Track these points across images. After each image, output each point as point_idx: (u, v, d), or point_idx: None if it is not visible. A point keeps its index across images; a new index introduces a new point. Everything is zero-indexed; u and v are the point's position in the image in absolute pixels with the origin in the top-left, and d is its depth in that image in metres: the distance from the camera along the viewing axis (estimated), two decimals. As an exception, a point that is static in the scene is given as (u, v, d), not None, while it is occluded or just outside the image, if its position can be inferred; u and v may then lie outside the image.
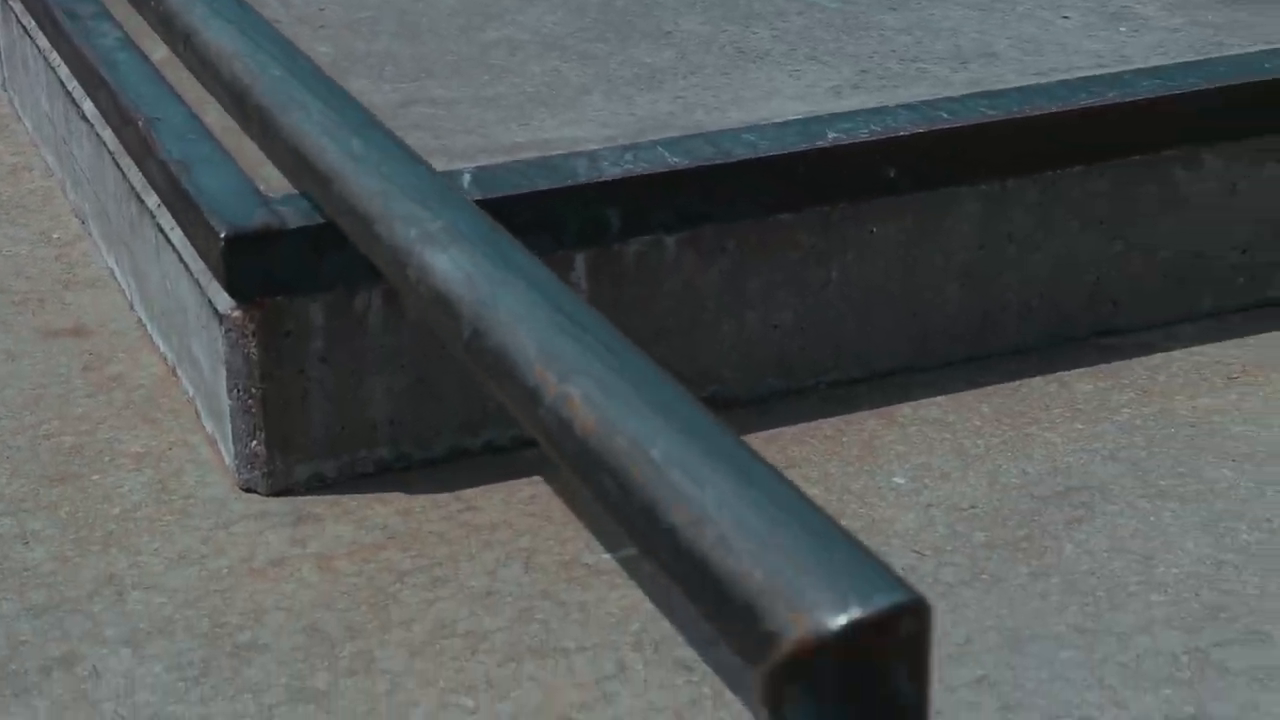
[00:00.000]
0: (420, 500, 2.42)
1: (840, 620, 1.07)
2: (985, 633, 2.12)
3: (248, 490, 2.44)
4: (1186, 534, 2.30)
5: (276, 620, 2.18)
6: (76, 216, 3.32)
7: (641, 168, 2.47)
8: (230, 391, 2.40)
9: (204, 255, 2.39)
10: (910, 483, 2.43)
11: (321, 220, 2.30)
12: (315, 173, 1.86)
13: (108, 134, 2.92)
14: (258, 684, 2.07)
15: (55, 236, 3.27)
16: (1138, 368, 2.71)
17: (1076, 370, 2.70)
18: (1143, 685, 2.03)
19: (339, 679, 2.07)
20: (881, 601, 1.07)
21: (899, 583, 1.09)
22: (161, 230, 2.61)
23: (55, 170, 3.50)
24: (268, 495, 2.43)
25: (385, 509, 2.40)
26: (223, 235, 2.30)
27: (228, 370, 2.39)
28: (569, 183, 2.44)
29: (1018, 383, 2.67)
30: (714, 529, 1.15)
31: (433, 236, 1.55)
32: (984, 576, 2.23)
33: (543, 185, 2.43)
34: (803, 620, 1.08)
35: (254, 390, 2.38)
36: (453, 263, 1.52)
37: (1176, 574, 2.22)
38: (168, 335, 2.71)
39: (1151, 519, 2.33)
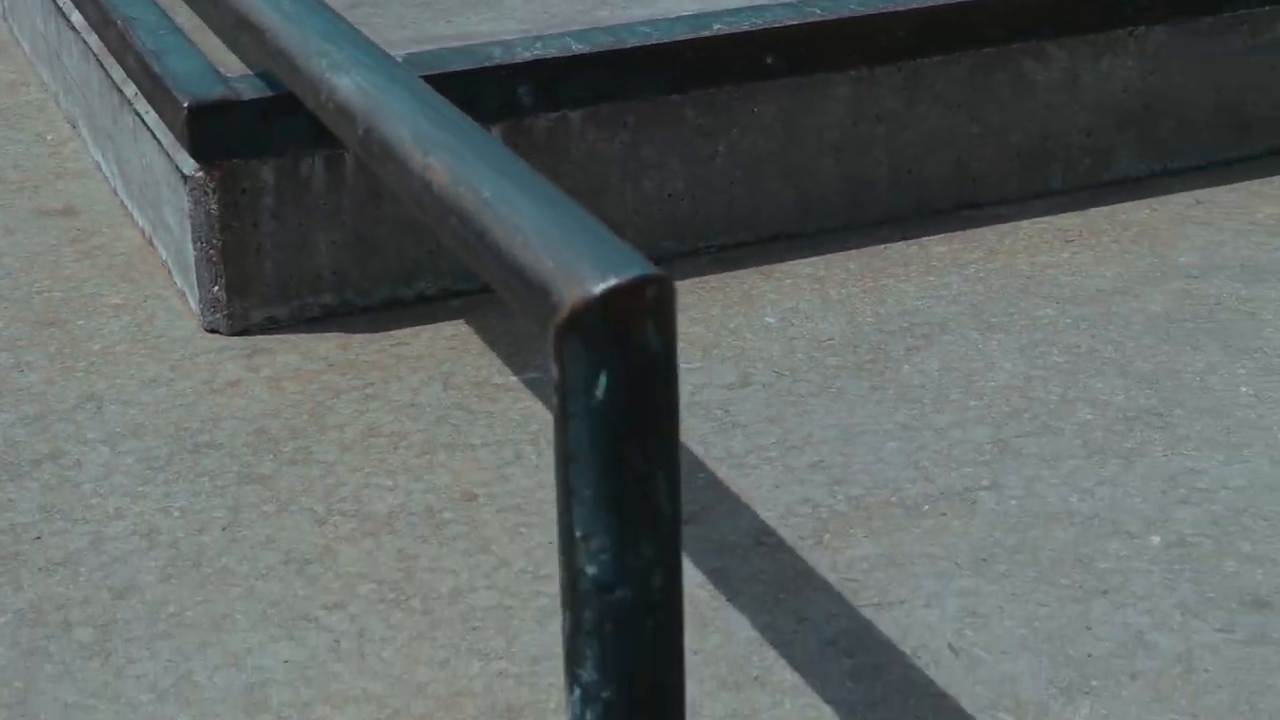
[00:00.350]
0: (358, 338, 2.82)
1: (601, 287, 1.46)
2: (825, 430, 2.52)
3: (211, 330, 2.84)
4: (1006, 357, 2.70)
5: (230, 426, 2.58)
6: (68, 122, 3.72)
7: (549, 53, 2.87)
8: (195, 243, 2.80)
9: (171, 126, 2.79)
10: (779, 322, 2.83)
11: (271, 93, 2.71)
12: (253, 28, 2.26)
13: (93, 39, 3.31)
14: (213, 471, 2.47)
15: (49, 138, 3.67)
16: (989, 234, 3.10)
17: (936, 236, 3.10)
18: (950, 466, 2.42)
19: (281, 467, 2.48)
20: (631, 273, 1.46)
21: (648, 263, 1.48)
22: (138, 114, 3.01)
23: (50, 84, 3.90)
24: (228, 334, 2.83)
25: (328, 344, 2.80)
26: (185, 105, 2.70)
27: (192, 224, 2.78)
28: (486, 64, 2.83)
29: (884, 245, 3.07)
30: (523, 237, 1.55)
31: (338, 65, 1.95)
32: (831, 390, 2.63)
33: (463, 66, 2.82)
34: (575, 290, 1.47)
35: (215, 241, 2.78)
36: (352, 82, 1.91)
37: (993, 386, 2.62)
38: (144, 209, 3.11)
39: (980, 346, 2.73)
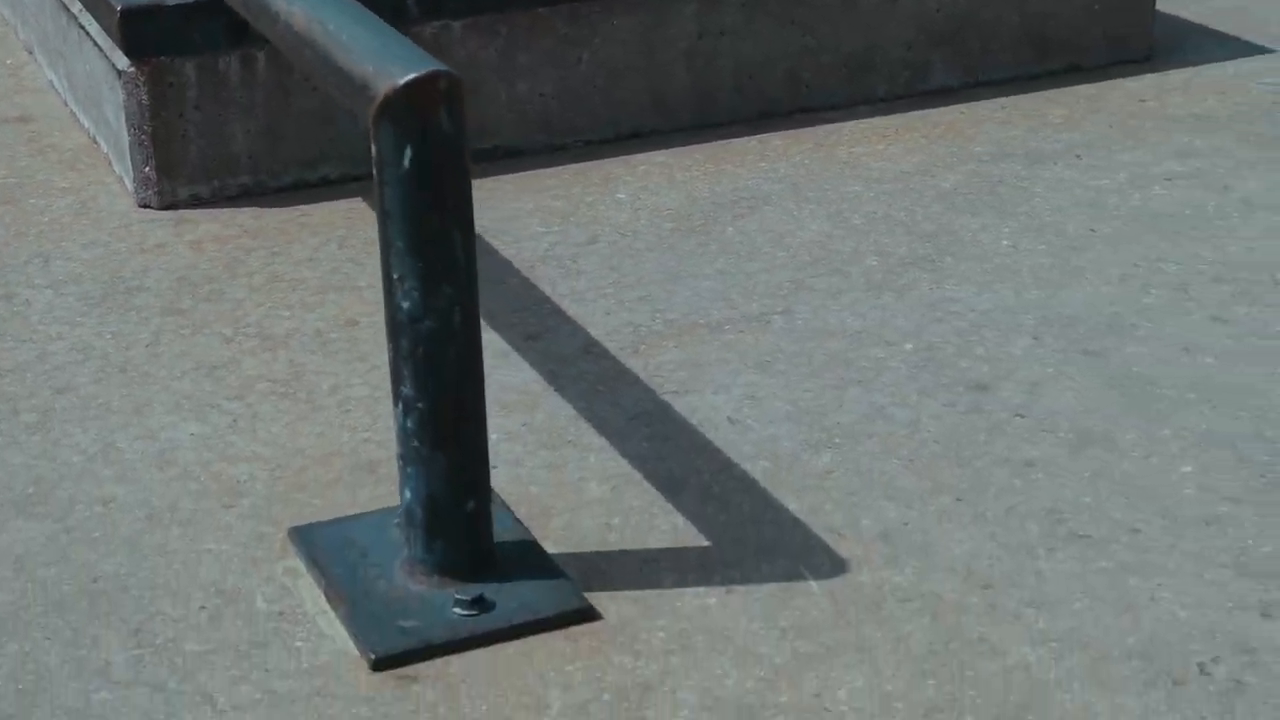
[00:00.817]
0: (270, 211, 3.30)
1: (404, 79, 1.95)
2: (655, 274, 3.01)
3: (143, 206, 3.32)
4: (815, 221, 3.19)
5: (157, 275, 3.06)
6: (26, 50, 4.20)
7: (433, -30, 3.36)
8: (129, 130, 3.28)
9: (108, 31, 3.27)
10: (628, 198, 3.32)
11: (192, 1, 3.20)
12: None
13: (46, -31, 3.80)
14: (140, 307, 2.95)
15: (8, 63, 4.15)
16: (820, 131, 3.60)
17: (774, 133, 3.59)
18: (753, 298, 2.92)
19: (198, 303, 2.96)
20: (426, 68, 1.95)
21: (445, 65, 1.97)
22: (82, 27, 3.49)
23: (9, 19, 4.38)
24: (158, 209, 3.31)
25: (243, 216, 3.29)
26: (119, 10, 3.18)
27: (126, 114, 3.27)
28: (378, -21, 3.32)
29: (727, 141, 3.56)
30: (357, 55, 2.04)
31: (231, -54, 2.45)
32: (664, 246, 3.12)
33: (359, -19, 3.31)
34: (385, 83, 1.96)
35: (146, 128, 3.26)
36: (240, -42, 2.42)
37: (799, 242, 3.11)
38: (89, 111, 3.59)
39: (794, 214, 3.22)
